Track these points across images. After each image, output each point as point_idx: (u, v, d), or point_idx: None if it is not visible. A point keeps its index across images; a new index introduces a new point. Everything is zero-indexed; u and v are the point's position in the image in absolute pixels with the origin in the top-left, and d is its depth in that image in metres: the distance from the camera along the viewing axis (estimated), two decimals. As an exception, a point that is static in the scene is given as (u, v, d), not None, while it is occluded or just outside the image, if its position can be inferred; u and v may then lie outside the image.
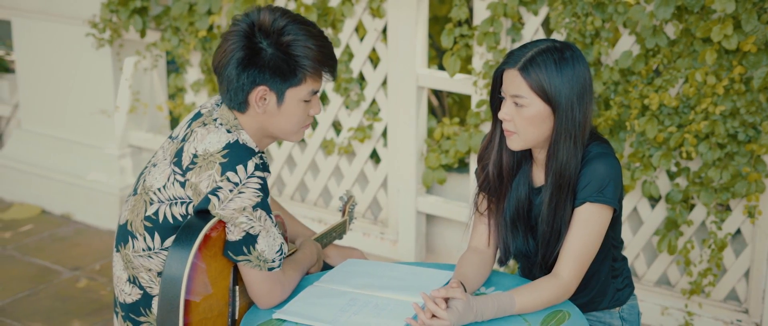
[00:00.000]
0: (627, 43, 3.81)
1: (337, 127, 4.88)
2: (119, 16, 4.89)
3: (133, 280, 2.61)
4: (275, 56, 2.49)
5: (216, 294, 2.50)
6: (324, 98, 4.81)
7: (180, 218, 2.52)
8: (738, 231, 3.97)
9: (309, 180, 4.87)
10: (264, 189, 2.48)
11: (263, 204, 2.48)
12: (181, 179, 2.52)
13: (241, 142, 2.51)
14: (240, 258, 2.49)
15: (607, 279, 2.74)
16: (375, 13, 4.41)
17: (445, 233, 4.63)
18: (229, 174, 2.45)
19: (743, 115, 3.57)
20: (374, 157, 4.89)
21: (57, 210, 5.36)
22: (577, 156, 2.54)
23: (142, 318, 2.62)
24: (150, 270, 2.57)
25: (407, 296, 2.54)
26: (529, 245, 2.70)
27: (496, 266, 2.77)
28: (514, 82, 2.51)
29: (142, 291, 2.60)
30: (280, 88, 2.52)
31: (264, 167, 2.52)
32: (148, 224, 2.56)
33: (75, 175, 5.29)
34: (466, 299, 2.38)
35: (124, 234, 2.62)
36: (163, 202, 2.54)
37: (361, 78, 4.74)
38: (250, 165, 2.47)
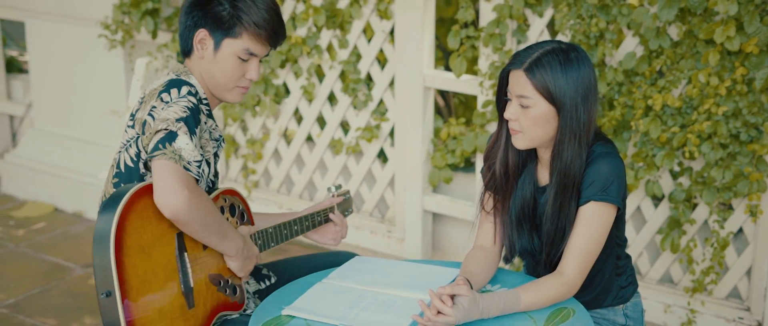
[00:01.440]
0: (631, 44, 3.82)
1: (345, 126, 4.89)
2: (131, 17, 4.91)
3: None
4: (221, 6, 2.63)
5: (157, 259, 2.46)
6: (332, 98, 4.81)
7: (135, 158, 2.58)
8: (740, 230, 3.97)
9: (317, 179, 4.88)
10: (193, 110, 2.51)
11: (188, 120, 2.49)
12: (131, 122, 2.60)
13: (183, 80, 2.58)
14: (155, 153, 2.42)
15: (612, 276, 2.74)
16: (382, 14, 4.41)
17: (451, 231, 4.64)
18: (163, 95, 2.53)
19: (745, 115, 3.57)
20: (381, 156, 4.90)
21: (69, 208, 5.38)
22: (582, 156, 2.54)
23: None
24: None
25: (414, 293, 2.54)
26: (533, 243, 2.70)
27: (501, 263, 2.77)
28: (519, 82, 2.51)
29: None
30: (217, 36, 2.64)
31: (199, 101, 2.56)
32: (115, 180, 2.62)
33: (87, 174, 5.31)
34: (472, 296, 2.38)
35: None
36: (121, 151, 2.61)
37: (369, 78, 4.74)
38: (184, 89, 2.53)
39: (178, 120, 2.46)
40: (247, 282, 2.88)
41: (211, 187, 2.71)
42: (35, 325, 4.10)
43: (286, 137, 4.95)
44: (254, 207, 4.86)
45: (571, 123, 2.51)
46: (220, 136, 2.75)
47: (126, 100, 5.15)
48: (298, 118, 4.92)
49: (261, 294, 2.91)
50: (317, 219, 2.98)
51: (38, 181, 5.48)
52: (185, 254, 2.53)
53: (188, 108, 2.50)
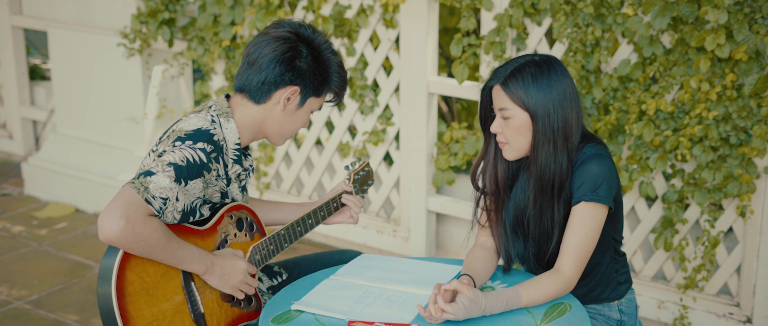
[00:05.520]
0: (625, 51, 3.82)
1: (352, 131, 4.90)
2: (148, 27, 4.92)
3: None
4: (314, 67, 2.60)
5: (163, 296, 2.45)
6: (340, 104, 4.81)
7: None
8: (730, 230, 3.97)
9: (326, 181, 4.88)
10: (193, 165, 2.44)
11: (179, 169, 2.41)
12: (154, 147, 2.55)
13: (211, 133, 2.52)
14: (126, 183, 2.36)
15: (610, 271, 2.74)
16: (388, 24, 4.42)
17: (453, 230, 4.64)
18: (177, 143, 2.47)
19: (735, 119, 3.57)
20: (387, 159, 4.90)
21: (90, 208, 5.39)
22: (559, 158, 2.55)
23: None
24: None
25: (418, 289, 2.55)
26: (529, 249, 2.71)
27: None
28: (498, 96, 2.56)
29: None
30: (306, 94, 2.62)
31: (208, 159, 2.49)
32: None
33: (107, 176, 5.32)
34: (474, 296, 2.38)
35: None
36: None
37: (375, 85, 4.75)
38: (199, 144, 2.48)
39: (169, 164, 2.41)
40: (261, 280, 2.89)
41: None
42: (57, 320, 4.12)
43: (296, 141, 4.96)
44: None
45: (544, 128, 2.53)
46: (251, 166, 2.72)
47: (143, 106, 5.17)
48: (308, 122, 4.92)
49: (273, 290, 2.92)
50: (333, 205, 2.91)
51: (60, 183, 5.49)
52: (192, 283, 2.52)
53: (188, 160, 2.44)
